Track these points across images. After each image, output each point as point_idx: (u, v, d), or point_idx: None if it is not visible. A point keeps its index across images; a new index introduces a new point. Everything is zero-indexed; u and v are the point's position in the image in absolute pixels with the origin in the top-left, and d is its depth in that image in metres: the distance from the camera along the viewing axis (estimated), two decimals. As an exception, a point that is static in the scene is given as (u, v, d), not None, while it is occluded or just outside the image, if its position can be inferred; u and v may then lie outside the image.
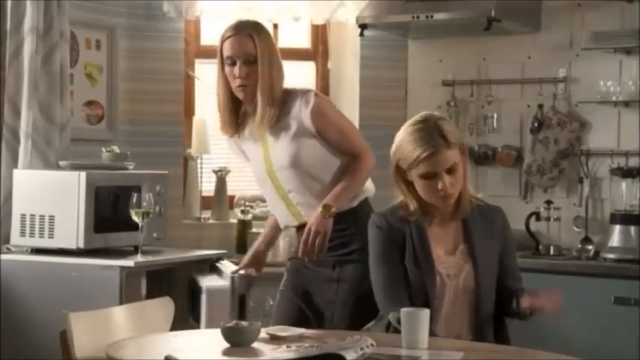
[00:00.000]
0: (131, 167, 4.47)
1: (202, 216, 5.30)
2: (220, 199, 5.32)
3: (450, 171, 3.04)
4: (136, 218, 4.03)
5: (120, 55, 5.13)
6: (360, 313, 3.31)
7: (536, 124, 5.15)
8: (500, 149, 5.29)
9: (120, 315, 3.14)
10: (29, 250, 4.28)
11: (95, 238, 4.19)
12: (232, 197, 5.36)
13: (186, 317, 4.02)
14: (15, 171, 4.40)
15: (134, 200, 4.02)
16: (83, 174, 4.17)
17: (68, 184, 4.19)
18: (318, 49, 5.66)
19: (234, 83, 3.47)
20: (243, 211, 5.18)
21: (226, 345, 2.77)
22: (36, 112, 4.50)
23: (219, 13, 5.20)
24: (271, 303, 3.73)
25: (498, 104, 5.31)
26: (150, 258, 4.14)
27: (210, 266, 4.26)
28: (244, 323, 2.83)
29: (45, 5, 4.53)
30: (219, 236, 5.14)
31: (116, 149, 4.52)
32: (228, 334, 2.78)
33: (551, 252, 4.89)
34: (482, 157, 5.31)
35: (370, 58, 5.49)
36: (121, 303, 3.86)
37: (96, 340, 2.89)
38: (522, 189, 5.25)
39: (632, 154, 4.94)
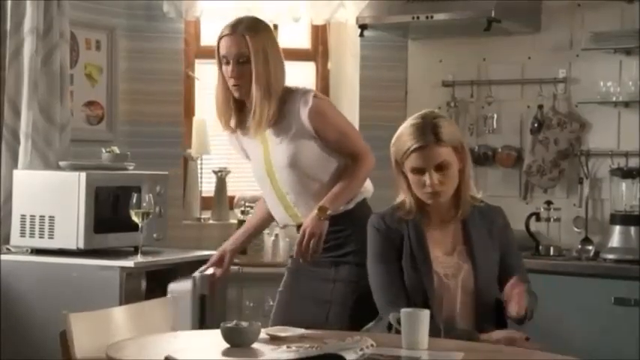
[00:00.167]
0: (131, 168, 4.47)
1: (202, 216, 5.30)
2: (220, 200, 5.32)
3: (440, 168, 3.05)
4: (135, 219, 4.03)
5: (120, 56, 5.13)
6: (359, 313, 3.32)
7: (536, 125, 5.15)
8: (500, 150, 5.29)
9: (120, 315, 3.14)
10: (29, 251, 4.28)
11: (95, 238, 4.19)
12: (232, 198, 5.36)
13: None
14: (15, 171, 4.40)
15: (134, 201, 4.02)
16: (83, 174, 4.17)
17: (68, 185, 4.19)
18: (318, 50, 5.66)
19: (229, 82, 3.48)
20: (243, 212, 5.18)
21: (226, 345, 2.76)
22: (36, 113, 4.50)
23: (219, 13, 5.20)
24: (271, 303, 3.73)
25: (498, 105, 5.31)
26: (150, 258, 4.14)
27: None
28: (244, 323, 2.83)
29: (45, 5, 4.53)
30: (219, 237, 5.12)
31: (116, 150, 4.52)
32: (228, 335, 2.78)
33: (551, 252, 4.89)
34: (482, 158, 5.31)
35: (370, 59, 5.49)
36: (120, 303, 3.86)
37: (96, 341, 2.89)
38: (522, 189, 5.25)
39: (632, 155, 4.94)
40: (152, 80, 5.19)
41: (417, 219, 3.14)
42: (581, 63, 5.09)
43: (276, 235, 5.10)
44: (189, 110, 5.37)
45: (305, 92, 3.48)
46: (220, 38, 3.50)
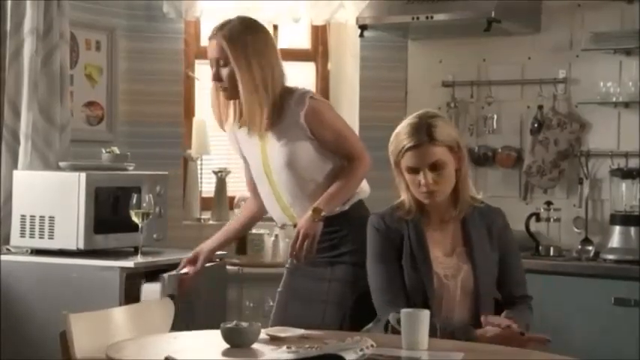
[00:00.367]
0: (131, 168, 4.47)
1: (202, 217, 5.30)
2: (220, 200, 5.32)
3: (435, 168, 3.05)
4: (135, 219, 4.02)
5: (120, 56, 5.13)
6: (356, 313, 3.33)
7: (536, 125, 5.15)
8: (500, 150, 5.29)
9: (120, 316, 3.14)
10: (29, 251, 4.28)
11: (95, 238, 4.19)
12: (232, 198, 5.36)
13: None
14: (15, 172, 4.40)
15: (134, 201, 4.01)
16: (83, 175, 4.17)
17: (68, 185, 4.19)
18: (318, 50, 5.67)
19: (214, 85, 3.51)
20: (243, 212, 5.18)
21: (226, 346, 2.77)
22: (36, 113, 4.50)
23: (219, 13, 5.18)
24: (271, 303, 3.74)
25: (498, 105, 5.31)
26: (150, 259, 4.13)
27: None
28: (244, 324, 2.83)
29: (45, 6, 4.53)
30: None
31: (116, 150, 4.52)
32: (227, 335, 2.78)
33: (551, 253, 4.89)
34: (482, 158, 5.31)
35: (370, 59, 5.49)
36: (120, 304, 3.86)
37: (96, 341, 2.89)
38: (522, 190, 5.25)
39: (632, 155, 4.94)
40: (152, 81, 5.19)
41: (416, 219, 3.14)
42: (581, 63, 5.10)
43: (276, 236, 5.10)
44: (189, 111, 5.37)
45: (302, 93, 3.48)
46: (208, 40, 3.54)
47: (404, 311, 2.76)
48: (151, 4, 5.22)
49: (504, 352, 2.88)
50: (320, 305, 3.47)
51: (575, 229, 5.05)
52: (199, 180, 5.32)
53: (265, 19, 5.36)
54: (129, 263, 4.03)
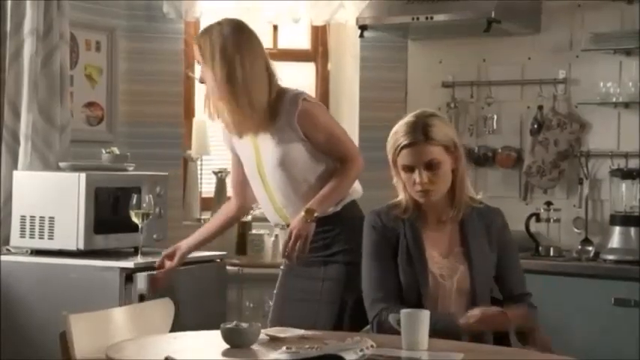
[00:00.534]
0: (131, 168, 4.47)
1: (202, 217, 5.30)
2: (220, 201, 5.31)
3: (430, 167, 3.05)
4: (135, 219, 4.02)
5: (120, 57, 5.13)
6: (349, 312, 3.35)
7: (536, 126, 5.15)
8: (500, 150, 5.29)
9: (120, 316, 3.14)
10: (29, 252, 4.28)
11: (95, 239, 4.19)
12: (232, 198, 5.36)
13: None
14: (15, 172, 4.40)
15: (134, 201, 4.01)
16: (83, 175, 4.17)
17: (68, 186, 4.19)
18: (318, 51, 5.67)
19: None
20: (243, 213, 5.18)
21: (226, 346, 2.77)
22: (36, 114, 4.50)
23: (219, 14, 5.18)
24: (271, 304, 3.74)
25: (498, 105, 5.31)
26: (150, 259, 4.13)
27: None
28: (244, 324, 2.83)
29: (45, 7, 4.53)
30: (219, 237, 5.11)
31: (116, 150, 4.52)
32: (227, 336, 2.78)
33: (551, 253, 4.89)
34: (482, 159, 5.31)
35: (370, 60, 5.50)
36: (120, 304, 3.86)
37: (96, 342, 2.89)
38: (522, 190, 5.25)
39: (632, 156, 4.94)
40: (152, 81, 5.19)
41: (413, 218, 3.14)
42: (581, 64, 5.09)
43: (276, 236, 5.09)
44: (189, 111, 5.37)
45: (295, 95, 3.49)
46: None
47: (404, 311, 2.76)
48: (151, 4, 5.22)
49: (504, 352, 2.89)
50: (314, 305, 3.49)
51: (575, 230, 5.05)
52: (199, 180, 5.32)
53: (265, 20, 5.39)
54: (129, 264, 4.03)
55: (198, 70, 3.67)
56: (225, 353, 2.73)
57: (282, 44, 5.61)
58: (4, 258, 4.24)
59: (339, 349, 2.59)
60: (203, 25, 5.35)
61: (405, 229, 3.13)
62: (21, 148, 4.49)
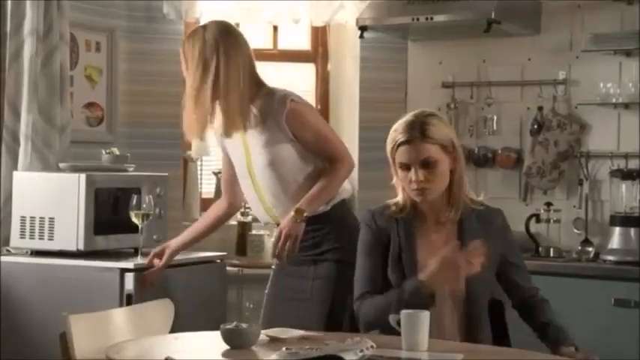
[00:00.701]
0: (131, 169, 4.47)
1: (202, 218, 5.29)
2: (220, 201, 5.32)
3: (426, 165, 3.04)
4: (135, 220, 4.02)
5: (120, 57, 5.13)
6: (340, 311, 3.35)
7: (535, 126, 5.15)
8: (500, 151, 5.29)
9: (120, 317, 3.14)
10: (29, 252, 4.28)
11: (95, 240, 4.19)
12: (232, 199, 5.36)
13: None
14: (15, 173, 4.40)
15: (134, 202, 4.01)
16: (83, 176, 4.17)
17: (68, 186, 4.18)
18: (318, 51, 5.66)
19: None
20: (242, 213, 5.18)
21: (226, 347, 2.76)
22: (36, 114, 4.50)
23: (219, 14, 5.19)
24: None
25: (498, 106, 5.31)
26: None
27: None
28: (244, 325, 2.83)
29: (45, 7, 4.53)
30: (219, 238, 5.11)
31: (116, 151, 4.52)
32: (227, 337, 2.78)
33: (551, 254, 4.89)
34: (482, 159, 5.31)
35: (370, 60, 5.49)
36: (120, 305, 3.86)
37: (96, 342, 2.89)
38: (522, 191, 5.25)
39: (632, 156, 4.94)
40: (152, 82, 5.19)
41: (408, 217, 3.13)
42: (581, 64, 5.10)
43: (276, 237, 5.09)
44: (189, 112, 5.37)
45: (282, 96, 3.51)
46: None
47: (404, 312, 2.76)
48: (151, 5, 5.22)
49: (504, 352, 2.89)
50: (304, 304, 3.51)
51: (575, 230, 5.05)
52: (199, 181, 5.32)
53: (265, 20, 5.39)
54: (129, 264, 4.03)
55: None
56: (225, 354, 2.72)
57: (282, 45, 5.61)
58: (4, 259, 4.24)
59: (339, 349, 2.60)
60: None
61: (399, 229, 3.12)
62: (21, 148, 4.49)
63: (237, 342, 2.77)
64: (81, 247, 4.15)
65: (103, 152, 4.48)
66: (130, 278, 3.95)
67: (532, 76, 5.22)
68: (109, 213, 4.25)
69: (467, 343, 2.98)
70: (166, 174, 4.56)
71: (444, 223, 3.15)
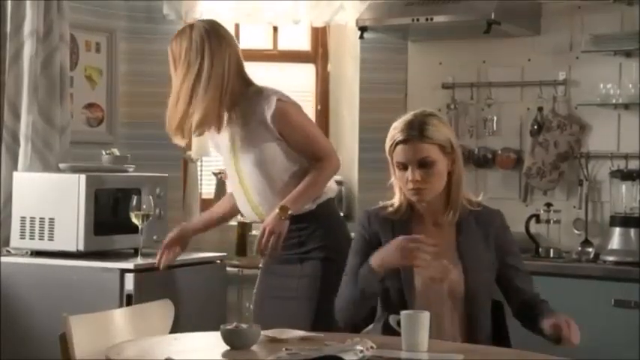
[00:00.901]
0: (131, 170, 4.47)
1: (202, 218, 5.29)
2: (220, 202, 5.32)
3: (423, 165, 3.03)
4: (135, 221, 4.03)
5: (120, 58, 5.13)
6: (328, 309, 3.36)
7: (535, 127, 5.15)
8: (500, 152, 5.29)
9: (120, 317, 3.14)
10: (29, 253, 4.28)
11: (95, 240, 4.19)
12: (232, 200, 5.36)
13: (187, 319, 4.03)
14: (15, 173, 4.40)
15: (134, 203, 4.02)
16: (83, 176, 4.18)
17: (68, 187, 4.19)
18: (318, 52, 5.67)
19: None
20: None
21: (226, 347, 2.76)
22: (36, 115, 4.50)
23: (219, 15, 5.20)
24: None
25: (498, 107, 5.31)
26: (150, 260, 4.13)
27: None
28: (244, 326, 2.83)
29: (45, 8, 4.54)
30: (219, 239, 5.13)
31: (116, 152, 4.52)
32: (227, 337, 2.78)
33: (551, 254, 4.89)
34: (482, 160, 5.31)
35: (370, 61, 5.50)
36: (120, 305, 3.86)
37: (96, 343, 2.89)
38: (522, 191, 5.25)
39: (632, 157, 4.94)
40: (152, 82, 5.18)
41: (405, 219, 3.13)
42: (581, 65, 5.09)
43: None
44: (189, 112, 5.36)
45: (269, 95, 3.52)
46: None
47: (404, 313, 2.76)
48: (151, 5, 5.22)
49: (504, 352, 2.89)
50: (290, 302, 3.53)
51: (575, 231, 5.05)
52: (199, 181, 5.32)
53: (265, 21, 5.38)
54: (129, 265, 4.04)
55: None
56: (225, 354, 2.72)
57: (282, 45, 5.61)
58: (4, 259, 4.24)
59: (339, 350, 2.59)
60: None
61: (394, 230, 3.10)
62: (21, 149, 4.50)
63: (237, 342, 2.77)
64: (81, 247, 4.15)
65: (103, 153, 4.48)
66: (130, 279, 3.96)
67: (532, 77, 5.22)
68: (109, 213, 4.25)
69: (467, 343, 2.98)
70: (166, 175, 4.56)
71: (442, 225, 3.14)
